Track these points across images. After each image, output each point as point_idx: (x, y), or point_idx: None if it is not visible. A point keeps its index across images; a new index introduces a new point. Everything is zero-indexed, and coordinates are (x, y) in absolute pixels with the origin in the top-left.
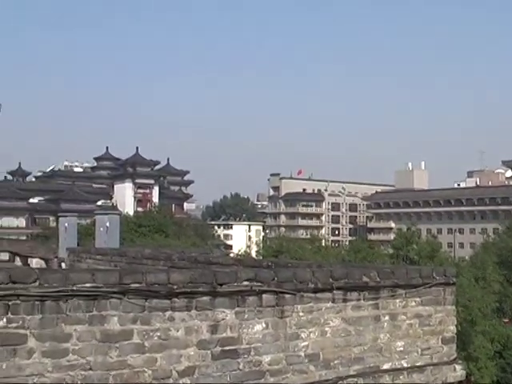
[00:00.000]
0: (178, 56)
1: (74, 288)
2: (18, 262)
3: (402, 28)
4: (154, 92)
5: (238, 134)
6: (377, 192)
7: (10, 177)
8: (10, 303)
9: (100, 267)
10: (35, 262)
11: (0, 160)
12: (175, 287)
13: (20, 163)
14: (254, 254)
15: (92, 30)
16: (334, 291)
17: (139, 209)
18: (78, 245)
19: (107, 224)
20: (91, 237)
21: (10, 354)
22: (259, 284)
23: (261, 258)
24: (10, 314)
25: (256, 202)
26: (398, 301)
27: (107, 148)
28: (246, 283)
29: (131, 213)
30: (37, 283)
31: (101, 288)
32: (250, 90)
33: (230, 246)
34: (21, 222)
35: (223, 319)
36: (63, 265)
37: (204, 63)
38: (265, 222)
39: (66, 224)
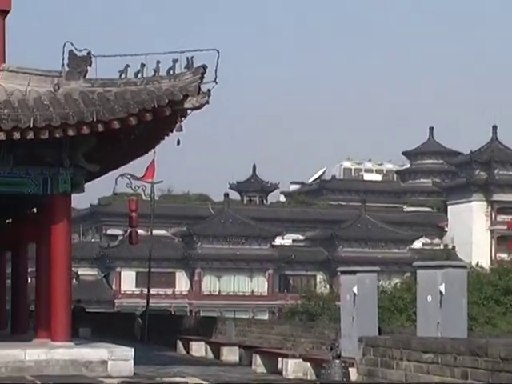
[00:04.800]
0: None
1: None
2: (258, 364)
3: None
4: None
5: None
6: None
7: (235, 195)
8: None
9: (435, 379)
10: (294, 367)
11: (216, 164)
12: None
13: (254, 168)
14: None
15: None
16: None
17: (502, 255)
18: (379, 331)
19: (440, 288)
20: (404, 314)
21: None
22: None
23: None
24: None
25: None
26: None
27: (431, 131)
28: None
29: (486, 264)
30: None
31: None
32: None
33: None
34: (259, 283)
35: None
36: (353, 373)
37: None
38: None
39: (355, 288)
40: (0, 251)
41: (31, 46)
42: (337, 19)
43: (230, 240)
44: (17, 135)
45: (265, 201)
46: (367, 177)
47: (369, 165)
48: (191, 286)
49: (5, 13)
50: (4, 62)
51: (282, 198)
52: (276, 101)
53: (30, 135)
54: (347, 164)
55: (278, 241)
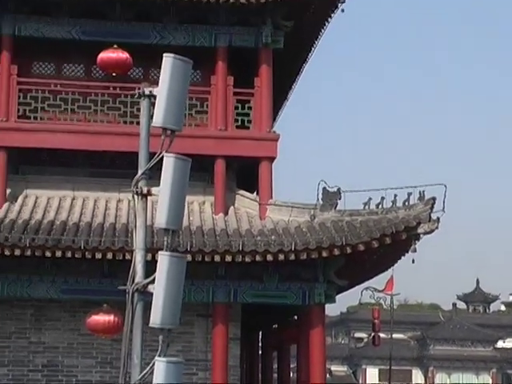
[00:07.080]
0: None
1: None
2: None
3: None
4: None
5: None
6: None
7: (462, 304)
8: None
9: None
10: None
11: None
12: None
13: (478, 281)
14: None
15: None
16: None
17: None
18: None
19: None
20: None
21: None
22: None
23: None
24: None
25: None
26: None
27: None
28: None
29: None
30: None
31: None
32: None
33: None
34: (484, 380)
35: None
36: None
37: None
38: None
39: None
40: (268, 350)
41: (292, 183)
42: None
43: (458, 343)
44: (281, 257)
45: (487, 310)
46: None
47: None
48: (425, 382)
49: (272, 159)
50: (272, 198)
51: (503, 307)
52: (497, 221)
53: (292, 257)
54: None
55: (500, 344)
